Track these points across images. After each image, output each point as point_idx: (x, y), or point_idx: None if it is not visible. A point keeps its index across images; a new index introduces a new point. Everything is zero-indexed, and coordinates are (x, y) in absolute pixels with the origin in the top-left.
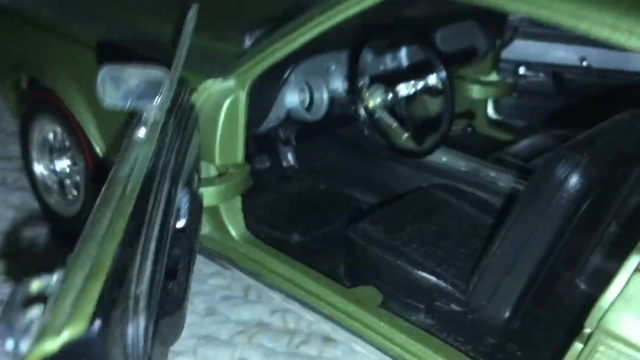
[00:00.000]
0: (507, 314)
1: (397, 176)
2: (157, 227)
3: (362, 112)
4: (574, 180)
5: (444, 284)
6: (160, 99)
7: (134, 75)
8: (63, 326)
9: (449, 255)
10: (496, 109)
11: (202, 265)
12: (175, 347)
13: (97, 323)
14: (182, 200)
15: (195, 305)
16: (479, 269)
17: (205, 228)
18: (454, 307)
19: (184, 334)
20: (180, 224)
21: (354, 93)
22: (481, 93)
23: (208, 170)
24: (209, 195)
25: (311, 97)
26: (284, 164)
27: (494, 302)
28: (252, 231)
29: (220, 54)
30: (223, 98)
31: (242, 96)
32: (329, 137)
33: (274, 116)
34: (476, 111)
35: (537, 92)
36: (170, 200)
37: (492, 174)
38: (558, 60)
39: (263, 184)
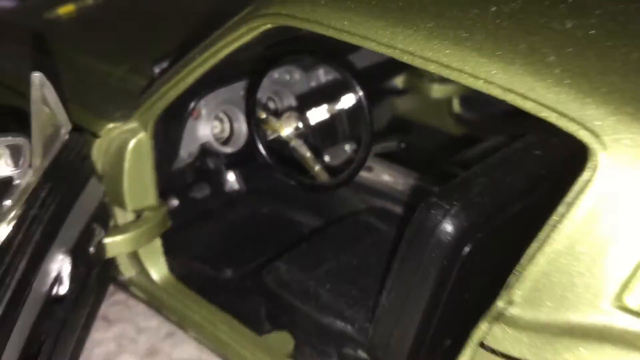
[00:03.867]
0: None
1: (337, 197)
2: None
3: (260, 146)
4: (443, 230)
5: (351, 330)
6: (22, 166)
7: None
8: None
9: (363, 294)
10: (464, 106)
11: None
12: None
13: None
14: (63, 266)
15: (138, 345)
16: (375, 315)
17: (130, 272)
18: (360, 353)
19: None
20: (62, 290)
21: (252, 125)
22: (443, 91)
23: (123, 216)
24: (124, 242)
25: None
26: (226, 189)
27: (389, 351)
28: (179, 271)
29: (133, 88)
30: (126, 141)
31: (146, 137)
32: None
33: (185, 153)
34: (441, 110)
35: None
36: (28, 274)
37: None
38: None
39: (206, 213)
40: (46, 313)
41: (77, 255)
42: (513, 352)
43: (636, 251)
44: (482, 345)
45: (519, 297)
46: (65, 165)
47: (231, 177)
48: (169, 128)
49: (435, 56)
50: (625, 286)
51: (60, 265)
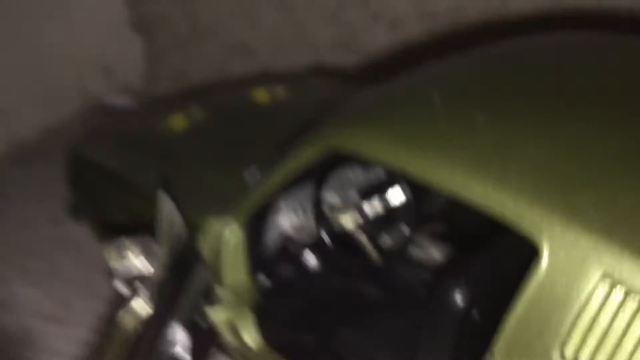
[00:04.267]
0: None
1: (394, 273)
2: None
3: (324, 235)
4: (453, 300)
5: None
6: (153, 266)
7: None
8: None
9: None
10: None
11: None
12: None
13: None
14: (179, 334)
15: None
16: None
17: (229, 338)
18: None
19: None
20: (180, 352)
21: (317, 218)
22: None
23: (222, 293)
24: (223, 313)
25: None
26: (306, 268)
27: None
28: (268, 339)
29: (228, 190)
30: (224, 234)
31: (239, 231)
32: None
33: (270, 241)
34: None
35: None
36: (157, 343)
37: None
38: None
39: (290, 289)
40: None
41: (190, 325)
42: None
43: (567, 314)
44: None
45: (497, 349)
46: (181, 257)
47: (309, 258)
48: (256, 223)
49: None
50: (564, 341)
51: (177, 333)
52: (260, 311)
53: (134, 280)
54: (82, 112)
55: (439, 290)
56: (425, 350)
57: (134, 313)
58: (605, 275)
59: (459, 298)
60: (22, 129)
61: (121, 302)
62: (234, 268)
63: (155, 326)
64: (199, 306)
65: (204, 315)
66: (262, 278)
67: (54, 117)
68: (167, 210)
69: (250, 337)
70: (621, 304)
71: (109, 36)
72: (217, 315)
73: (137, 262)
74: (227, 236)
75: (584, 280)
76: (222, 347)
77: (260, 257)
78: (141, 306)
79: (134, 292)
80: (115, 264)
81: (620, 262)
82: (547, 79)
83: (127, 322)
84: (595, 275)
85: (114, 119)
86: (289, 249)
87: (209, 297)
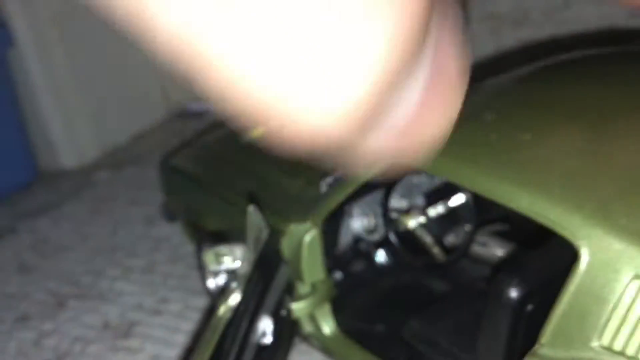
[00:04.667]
0: None
1: (460, 270)
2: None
3: (391, 237)
4: (508, 295)
5: None
6: (242, 260)
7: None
8: None
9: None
10: None
11: None
12: None
13: None
14: (267, 325)
15: None
16: None
17: (310, 328)
18: None
19: None
20: (267, 340)
21: (386, 222)
22: None
23: (303, 288)
24: (304, 306)
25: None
26: (376, 264)
27: None
28: (343, 328)
29: (306, 198)
30: (303, 236)
31: (317, 233)
32: None
33: (344, 241)
34: None
35: None
36: (248, 330)
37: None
38: None
39: (363, 283)
40: (257, 357)
41: (276, 317)
42: None
43: (604, 309)
44: None
45: (545, 339)
46: (266, 257)
47: (380, 255)
48: (332, 226)
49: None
50: (601, 332)
51: (265, 324)
52: (336, 303)
53: (227, 279)
54: (166, 118)
55: (496, 283)
56: (484, 338)
57: (227, 305)
58: (636, 276)
59: (514, 292)
60: (113, 135)
61: (218, 296)
62: (313, 266)
63: (246, 317)
64: (283, 301)
65: (287, 309)
66: (338, 274)
67: (141, 123)
68: (255, 219)
69: (328, 326)
70: None
71: None
72: (299, 308)
73: (233, 266)
74: (306, 239)
75: (618, 280)
76: (303, 337)
77: (335, 256)
78: (234, 300)
79: (228, 289)
80: (213, 267)
81: None
82: (590, 97)
83: (221, 313)
84: (627, 275)
85: (198, 125)
86: (361, 248)
87: (292, 293)
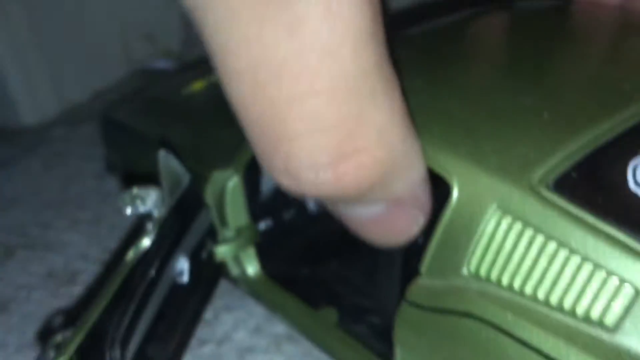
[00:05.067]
0: None
1: None
2: (140, 291)
3: None
4: None
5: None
6: (157, 205)
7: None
8: None
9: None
10: None
11: None
12: None
13: None
14: (184, 265)
15: (247, 323)
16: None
17: (235, 271)
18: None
19: None
20: (183, 280)
21: None
22: None
23: (226, 233)
24: (227, 249)
25: None
26: (308, 210)
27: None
28: (269, 270)
29: (232, 146)
30: (226, 182)
31: (238, 179)
32: None
33: (265, 189)
34: None
35: None
36: (160, 268)
37: None
38: None
39: (292, 229)
40: (171, 295)
41: (194, 258)
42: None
43: (471, 238)
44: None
45: (424, 269)
46: (185, 202)
47: (309, 201)
48: (255, 172)
49: None
50: (469, 259)
51: (182, 264)
52: (264, 250)
53: (142, 222)
54: (127, 76)
55: None
56: (380, 272)
57: (139, 247)
58: (499, 207)
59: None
60: (73, 92)
61: (128, 237)
62: (236, 212)
63: (159, 256)
64: (205, 244)
65: (209, 252)
66: (268, 222)
67: (102, 80)
68: (169, 164)
69: (252, 268)
70: (509, 229)
71: (149, 2)
72: (222, 251)
73: (145, 209)
74: (229, 185)
75: (483, 212)
76: (229, 278)
77: (264, 203)
78: (146, 242)
79: (141, 230)
80: (129, 210)
81: (510, 196)
82: (475, 49)
83: (131, 253)
84: (491, 207)
85: (153, 82)
86: (293, 196)
87: (212, 237)
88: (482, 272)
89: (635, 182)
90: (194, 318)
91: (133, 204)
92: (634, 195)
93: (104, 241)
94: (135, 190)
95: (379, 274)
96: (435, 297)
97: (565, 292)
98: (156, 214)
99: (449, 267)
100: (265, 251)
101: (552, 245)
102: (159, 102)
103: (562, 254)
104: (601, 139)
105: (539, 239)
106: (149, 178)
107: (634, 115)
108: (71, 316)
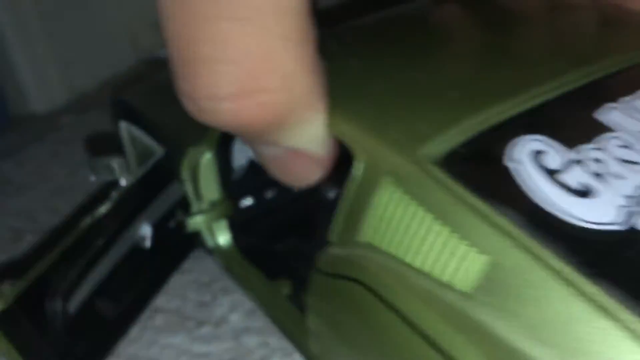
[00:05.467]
0: None
1: None
2: (93, 251)
3: None
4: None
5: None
6: (123, 174)
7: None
8: None
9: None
10: None
11: None
12: None
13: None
14: (147, 232)
15: (211, 287)
16: None
17: (210, 242)
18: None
19: None
20: (147, 245)
21: None
22: None
23: (200, 206)
24: (199, 221)
25: None
26: (290, 189)
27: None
28: (241, 244)
29: None
30: (200, 158)
31: (210, 155)
32: None
33: (238, 165)
34: None
35: None
36: (118, 231)
37: None
38: None
39: (273, 209)
40: (130, 257)
41: (159, 226)
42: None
43: (367, 204)
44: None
45: (330, 238)
46: (155, 173)
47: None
48: (224, 149)
49: None
50: (366, 228)
51: (145, 230)
52: (240, 223)
53: (107, 189)
54: (136, 65)
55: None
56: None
57: (99, 210)
58: (391, 179)
59: (332, 193)
60: (82, 81)
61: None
62: (209, 187)
63: (118, 219)
64: (175, 215)
65: (180, 222)
66: (248, 198)
67: (110, 69)
68: (131, 135)
69: (224, 240)
70: (399, 200)
71: None
72: (195, 222)
73: (112, 177)
74: (202, 161)
75: (379, 182)
76: (204, 247)
77: (241, 180)
78: (106, 207)
79: (104, 197)
80: (96, 177)
81: (400, 169)
82: (405, 34)
83: (86, 219)
84: (386, 178)
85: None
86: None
87: (184, 209)
88: (376, 241)
89: (510, 157)
90: (156, 282)
91: (99, 172)
92: (505, 169)
93: None
94: (103, 159)
95: (320, 245)
96: (336, 265)
97: (436, 261)
98: (123, 183)
99: (349, 235)
100: (243, 226)
101: (429, 217)
102: (164, 87)
103: (436, 226)
104: (497, 118)
105: (420, 211)
106: (117, 147)
107: (536, 96)
108: (17, 269)
